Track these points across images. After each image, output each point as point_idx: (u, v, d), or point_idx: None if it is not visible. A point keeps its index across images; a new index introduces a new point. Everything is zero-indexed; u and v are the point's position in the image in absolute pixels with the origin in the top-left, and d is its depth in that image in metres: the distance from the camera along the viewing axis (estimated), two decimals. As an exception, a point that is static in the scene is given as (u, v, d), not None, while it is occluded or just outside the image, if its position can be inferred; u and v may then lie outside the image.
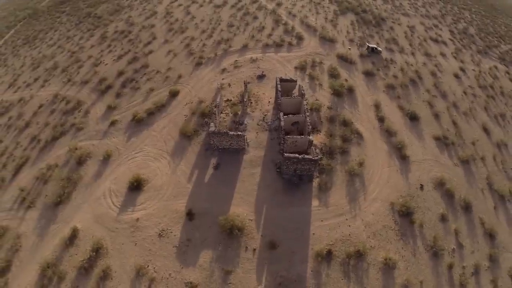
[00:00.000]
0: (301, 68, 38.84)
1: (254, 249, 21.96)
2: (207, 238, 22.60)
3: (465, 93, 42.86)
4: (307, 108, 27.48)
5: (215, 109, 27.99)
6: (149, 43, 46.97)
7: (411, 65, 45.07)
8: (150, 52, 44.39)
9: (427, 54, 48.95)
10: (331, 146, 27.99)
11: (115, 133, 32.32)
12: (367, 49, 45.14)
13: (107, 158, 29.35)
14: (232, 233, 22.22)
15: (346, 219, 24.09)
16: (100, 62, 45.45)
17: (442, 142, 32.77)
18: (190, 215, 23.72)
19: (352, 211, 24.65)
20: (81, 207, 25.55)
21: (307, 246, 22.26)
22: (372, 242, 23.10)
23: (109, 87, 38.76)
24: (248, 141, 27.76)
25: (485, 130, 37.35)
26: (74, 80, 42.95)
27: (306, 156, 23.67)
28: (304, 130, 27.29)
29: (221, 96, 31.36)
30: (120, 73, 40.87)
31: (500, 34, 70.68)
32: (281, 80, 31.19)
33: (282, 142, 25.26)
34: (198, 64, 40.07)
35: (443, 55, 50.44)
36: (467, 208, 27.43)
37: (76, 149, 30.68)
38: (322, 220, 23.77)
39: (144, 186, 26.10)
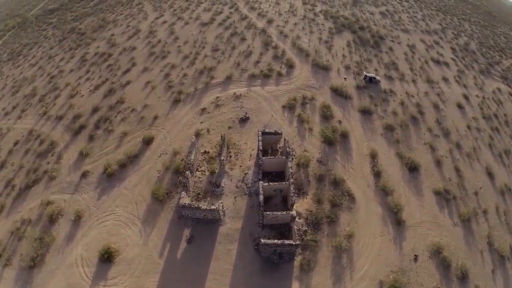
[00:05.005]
0: (290, 107, 35.41)
1: None
2: (178, 325, 20.75)
3: (468, 127, 39.56)
4: (291, 173, 24.60)
5: (188, 172, 25.25)
6: (127, 70, 43.75)
7: (412, 96, 41.48)
8: (128, 83, 41.27)
9: (429, 81, 45.13)
10: (317, 215, 25.24)
11: (86, 187, 30.09)
12: (364, 78, 41.37)
13: (78, 219, 27.47)
14: (204, 323, 20.31)
15: (330, 305, 21.90)
16: (77, 92, 42.82)
17: (443, 197, 29.88)
18: (160, 298, 21.76)
19: (336, 294, 22.38)
20: (55, 273, 24.34)
21: (285, 337, 20.28)
22: (356, 329, 21.04)
23: (82, 127, 36.21)
24: (224, 209, 25.17)
25: (489, 174, 34.47)
26: (49, 113, 40.83)
27: (286, 241, 21.12)
28: (288, 198, 24.58)
29: (196, 149, 28.50)
30: (95, 110, 38.14)
31: (501, 47, 68.16)
32: (264, 133, 28.05)
33: (261, 217, 22.66)
34: (176, 101, 36.87)
35: (445, 80, 46.64)
36: (463, 277, 25.10)
37: (49, 203, 29.17)
38: (303, 307, 21.59)
39: (115, 257, 24.32)
